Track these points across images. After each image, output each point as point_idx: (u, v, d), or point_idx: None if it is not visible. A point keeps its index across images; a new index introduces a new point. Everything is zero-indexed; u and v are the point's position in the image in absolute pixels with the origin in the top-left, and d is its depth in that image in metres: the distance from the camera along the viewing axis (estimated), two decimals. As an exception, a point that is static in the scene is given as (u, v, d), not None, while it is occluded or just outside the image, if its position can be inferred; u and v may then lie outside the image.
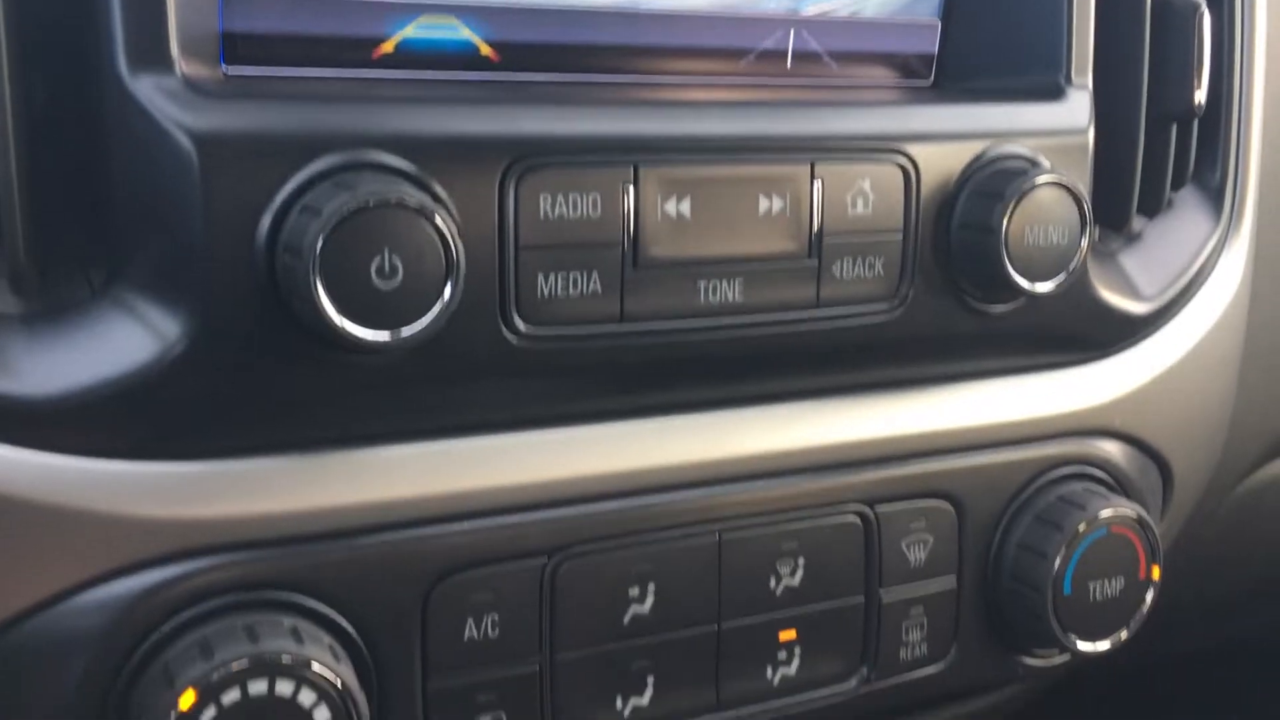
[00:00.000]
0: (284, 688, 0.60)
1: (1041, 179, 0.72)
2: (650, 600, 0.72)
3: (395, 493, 0.65)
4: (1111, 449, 0.85)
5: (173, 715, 0.58)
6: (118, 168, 0.59)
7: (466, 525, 0.67)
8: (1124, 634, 0.82)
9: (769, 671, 0.76)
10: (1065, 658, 0.86)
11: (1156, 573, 0.83)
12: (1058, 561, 0.79)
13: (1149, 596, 0.83)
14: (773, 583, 0.75)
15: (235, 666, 0.59)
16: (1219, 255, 0.90)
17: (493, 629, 0.68)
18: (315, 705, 0.61)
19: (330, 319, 0.57)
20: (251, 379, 0.60)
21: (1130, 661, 1.52)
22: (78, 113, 0.60)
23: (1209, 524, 1.09)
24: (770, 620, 0.75)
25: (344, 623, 0.64)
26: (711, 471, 0.73)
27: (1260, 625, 1.47)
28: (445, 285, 0.59)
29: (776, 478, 0.75)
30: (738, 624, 0.75)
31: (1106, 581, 0.81)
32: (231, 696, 0.59)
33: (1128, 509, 0.80)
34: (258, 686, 0.59)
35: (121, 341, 0.59)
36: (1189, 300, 0.89)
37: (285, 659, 0.60)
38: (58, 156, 0.60)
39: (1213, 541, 1.12)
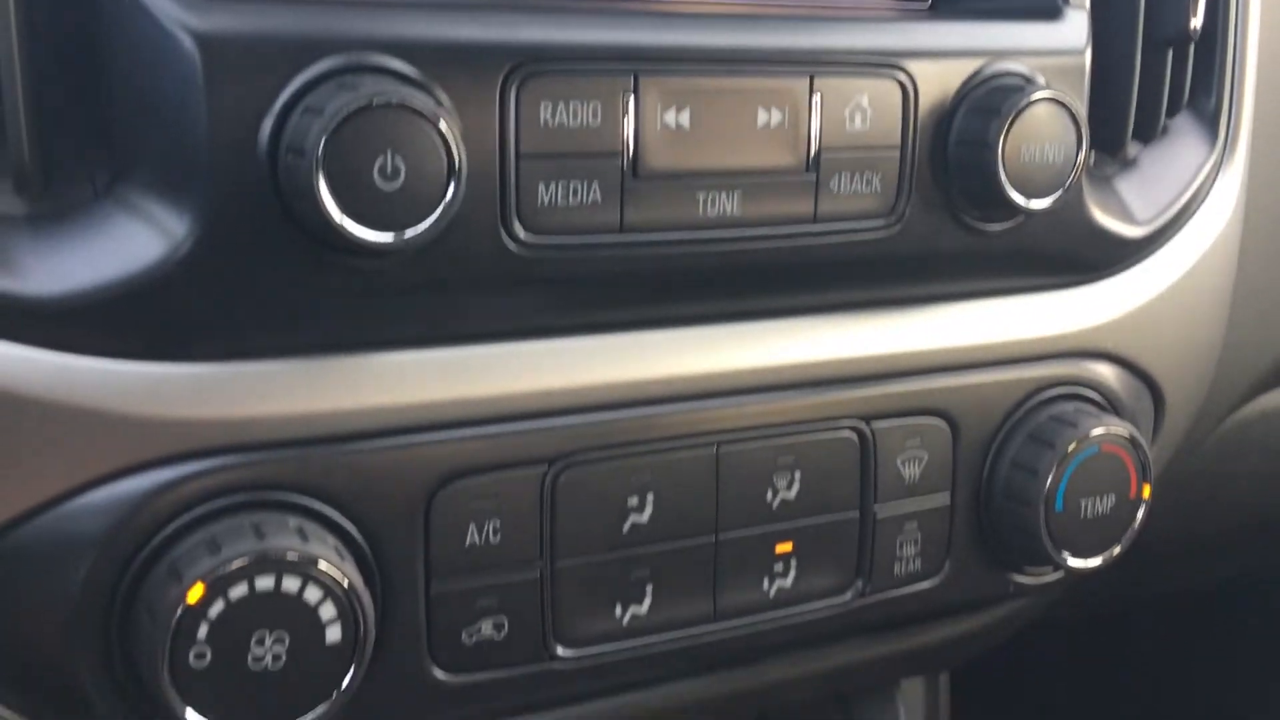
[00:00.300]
0: (290, 584, 0.61)
1: (1038, 95, 0.72)
2: (649, 510, 0.73)
3: (399, 398, 0.66)
4: (1104, 371, 0.86)
5: (180, 609, 0.59)
6: (120, 69, 0.60)
7: (469, 432, 0.68)
8: (1116, 550, 0.83)
9: (765, 583, 0.77)
10: (1057, 575, 0.87)
11: (1147, 491, 0.84)
12: (1050, 479, 0.80)
13: (1140, 514, 0.84)
14: (769, 496, 0.76)
15: (242, 562, 0.60)
16: (1213, 181, 0.91)
17: (494, 535, 0.69)
18: (321, 602, 0.62)
19: (333, 218, 0.57)
20: (256, 281, 0.61)
21: (1115, 601, 1.54)
22: (79, 13, 0.60)
23: (1197, 457, 1.10)
24: (767, 533, 0.76)
25: (348, 525, 0.65)
26: (710, 384, 0.74)
27: (1243, 566, 1.49)
28: (448, 187, 0.59)
29: (774, 392, 0.76)
30: (735, 535, 0.76)
31: (1098, 499, 0.82)
32: (239, 591, 0.60)
33: (1119, 428, 0.82)
34: (264, 582, 0.60)
35: (126, 242, 0.60)
36: (1183, 225, 0.89)
37: (292, 555, 0.61)
38: (59, 57, 0.60)
39: (1201, 476, 1.14)
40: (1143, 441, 0.82)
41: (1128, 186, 0.87)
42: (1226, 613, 1.69)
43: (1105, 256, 0.85)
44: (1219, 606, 1.66)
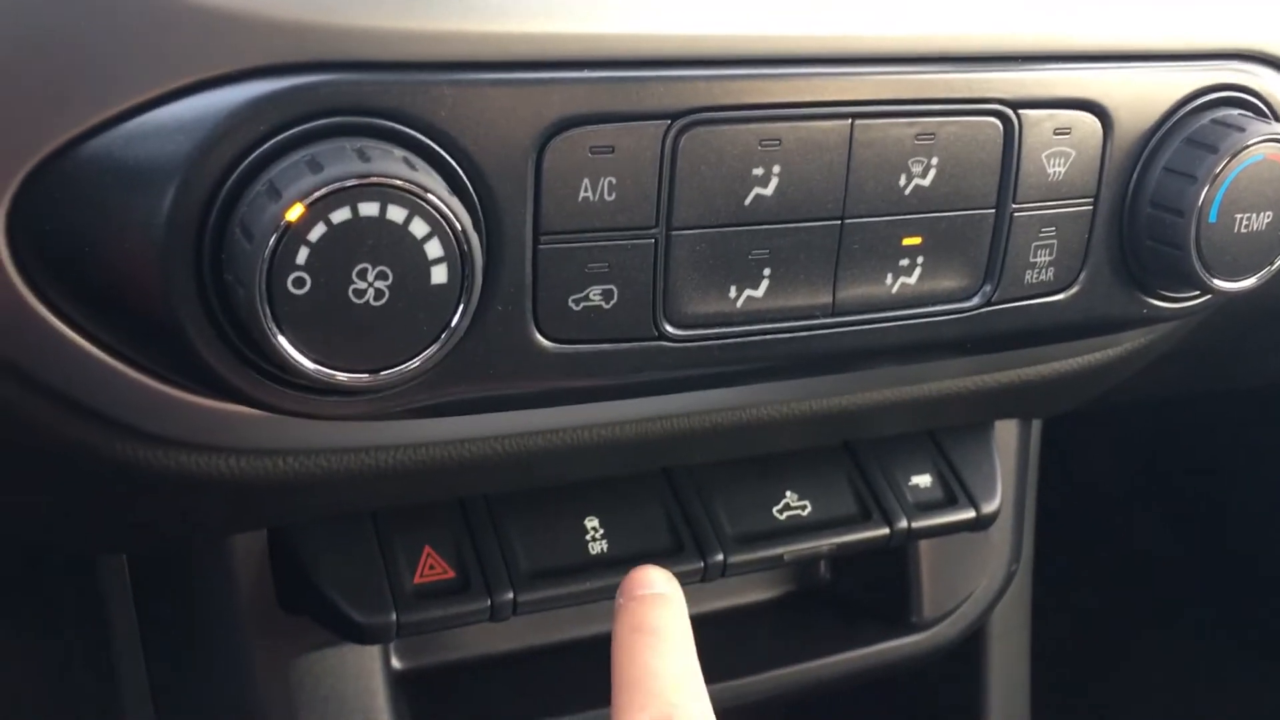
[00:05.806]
0: (396, 214, 0.56)
1: None
2: (774, 182, 0.67)
3: (516, 26, 0.60)
4: (1271, 78, 0.78)
5: (279, 228, 0.54)
6: None
7: (588, 74, 0.62)
8: (1272, 268, 0.77)
9: (889, 279, 0.72)
10: (1197, 301, 0.81)
11: (1307, 211, 0.77)
12: (1207, 186, 0.73)
13: (1297, 234, 0.77)
14: (902, 181, 0.70)
15: (347, 182, 0.55)
16: None
17: (609, 193, 0.63)
18: (428, 238, 0.57)
19: None
20: None
21: (1208, 381, 1.48)
22: None
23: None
24: (896, 221, 0.71)
25: (454, 164, 0.60)
26: (849, 48, 0.67)
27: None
28: None
29: (918, 64, 0.69)
30: (862, 221, 0.70)
31: (1254, 215, 0.75)
32: (341, 215, 0.55)
33: (1289, 135, 0.74)
34: (369, 208, 0.55)
35: None
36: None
37: (400, 183, 0.56)
38: None
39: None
40: (1311, 154, 0.75)
41: (1323, -128, 0.78)
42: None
43: (1289, -52, 0.76)
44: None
